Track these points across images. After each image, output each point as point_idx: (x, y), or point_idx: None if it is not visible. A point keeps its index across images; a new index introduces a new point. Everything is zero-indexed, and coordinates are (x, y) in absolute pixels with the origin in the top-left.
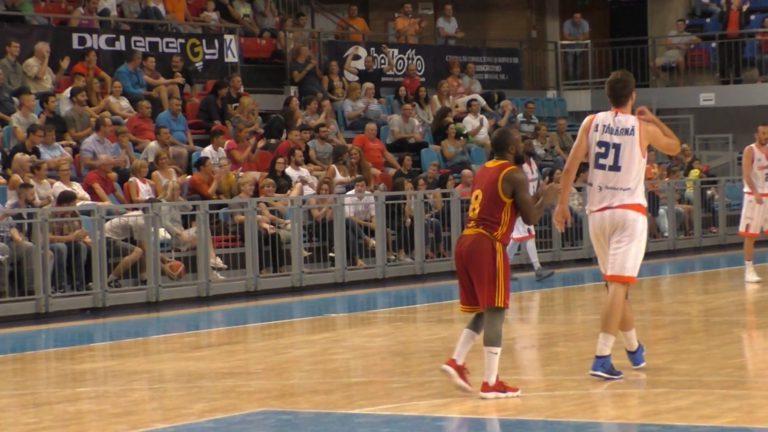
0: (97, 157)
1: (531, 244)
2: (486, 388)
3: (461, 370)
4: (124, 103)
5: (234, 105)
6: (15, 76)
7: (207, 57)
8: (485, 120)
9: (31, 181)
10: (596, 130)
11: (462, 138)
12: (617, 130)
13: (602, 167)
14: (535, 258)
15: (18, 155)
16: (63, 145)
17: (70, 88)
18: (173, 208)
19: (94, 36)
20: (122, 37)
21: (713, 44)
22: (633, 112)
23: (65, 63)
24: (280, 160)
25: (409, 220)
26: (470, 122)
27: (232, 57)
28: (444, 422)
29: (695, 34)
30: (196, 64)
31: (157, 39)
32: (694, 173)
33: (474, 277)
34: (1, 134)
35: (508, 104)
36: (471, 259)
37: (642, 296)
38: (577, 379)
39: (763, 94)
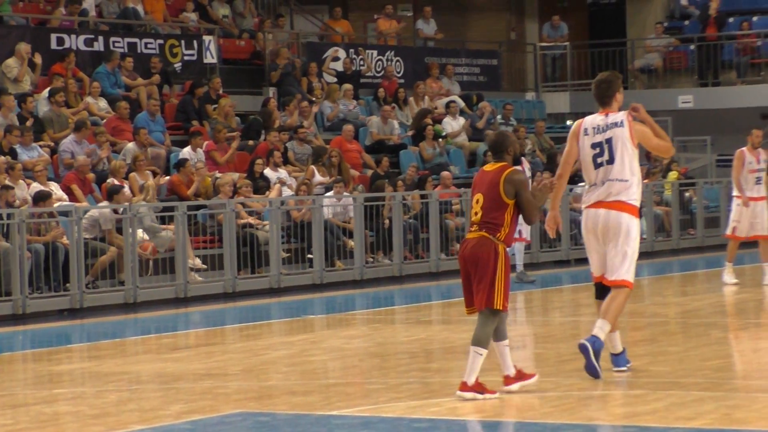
0: (75, 158)
1: (520, 246)
2: (464, 387)
3: (520, 375)
4: (103, 103)
5: (213, 106)
6: None
7: (186, 58)
8: (463, 121)
9: (7, 182)
10: (586, 134)
11: (440, 140)
12: (607, 127)
13: (600, 165)
14: (520, 261)
15: None
16: (41, 146)
17: (48, 89)
18: (151, 210)
19: (73, 36)
20: (101, 38)
21: (692, 47)
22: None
23: (38, 58)
24: (259, 161)
25: (387, 221)
26: (449, 124)
27: (210, 58)
28: (423, 424)
29: (674, 37)
30: (175, 65)
31: (136, 40)
32: (673, 175)
33: (475, 279)
34: None
35: (487, 106)
36: (474, 262)
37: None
38: (555, 381)
39: (741, 97)
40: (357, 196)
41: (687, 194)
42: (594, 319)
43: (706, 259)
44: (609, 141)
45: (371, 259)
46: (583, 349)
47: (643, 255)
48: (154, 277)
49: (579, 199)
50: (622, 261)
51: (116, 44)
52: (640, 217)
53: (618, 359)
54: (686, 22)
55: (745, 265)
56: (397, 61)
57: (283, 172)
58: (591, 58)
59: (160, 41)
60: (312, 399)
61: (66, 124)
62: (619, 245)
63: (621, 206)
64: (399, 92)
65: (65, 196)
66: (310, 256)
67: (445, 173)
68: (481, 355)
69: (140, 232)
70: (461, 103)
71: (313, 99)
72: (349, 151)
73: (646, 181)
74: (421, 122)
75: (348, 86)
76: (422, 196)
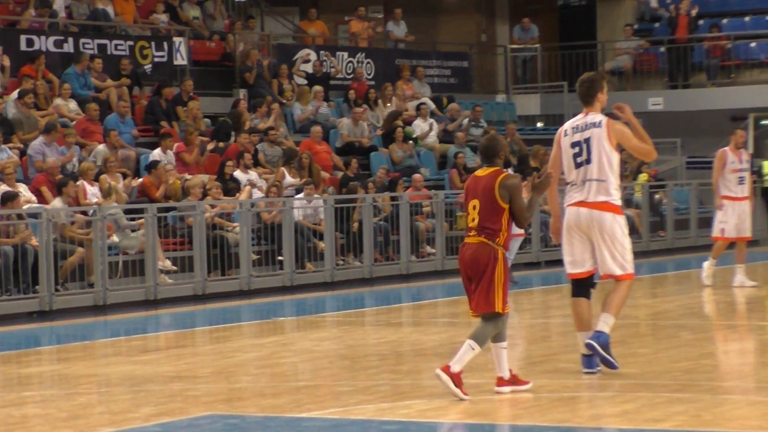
0: (45, 160)
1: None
2: (446, 370)
3: (514, 380)
4: (73, 105)
5: (185, 108)
6: None
7: (156, 59)
8: (434, 124)
9: None
10: (566, 135)
11: (410, 142)
12: (586, 126)
13: (580, 165)
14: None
15: None
16: (10, 148)
17: (17, 91)
18: (120, 211)
19: (42, 38)
20: (71, 39)
21: (662, 49)
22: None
23: (6, 60)
24: (229, 163)
25: (356, 224)
26: (419, 126)
27: (181, 59)
28: (392, 426)
29: (644, 39)
30: (145, 67)
31: (106, 41)
32: (643, 177)
33: (473, 284)
34: None
35: (455, 107)
36: (474, 266)
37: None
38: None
39: (711, 99)
40: (327, 198)
41: (657, 196)
42: (565, 320)
43: (676, 261)
44: (587, 141)
45: (341, 261)
46: (590, 348)
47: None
48: (123, 279)
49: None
50: (618, 256)
51: (86, 46)
52: (623, 213)
53: (589, 361)
54: (656, 25)
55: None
56: (368, 63)
57: (253, 174)
58: (561, 60)
59: (130, 43)
60: (282, 401)
61: (35, 125)
62: (608, 244)
63: (603, 206)
64: (370, 93)
65: (34, 198)
66: (280, 258)
67: (416, 176)
68: (473, 349)
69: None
70: (432, 105)
71: (284, 101)
72: (319, 152)
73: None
74: (391, 124)
75: (318, 88)
76: (393, 198)
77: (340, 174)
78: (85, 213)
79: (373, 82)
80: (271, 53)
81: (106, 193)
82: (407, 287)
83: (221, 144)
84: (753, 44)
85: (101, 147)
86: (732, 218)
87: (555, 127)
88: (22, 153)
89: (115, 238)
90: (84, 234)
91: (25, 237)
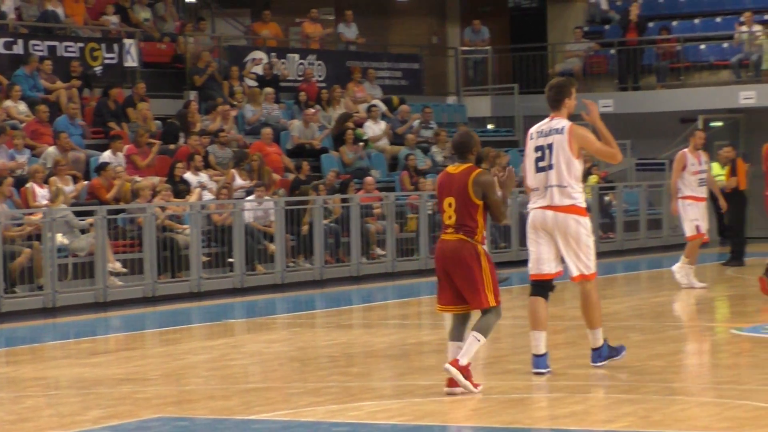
0: None
1: None
2: (455, 364)
3: (467, 373)
4: (22, 107)
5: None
6: None
7: (106, 61)
8: (384, 125)
9: None
10: (531, 139)
11: (361, 143)
12: (549, 132)
13: (542, 170)
14: None
15: None
16: None
17: None
18: (70, 213)
19: None
20: (20, 41)
21: (612, 51)
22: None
23: None
24: (179, 165)
25: (306, 227)
26: (370, 128)
27: (131, 61)
28: (343, 428)
29: (594, 41)
30: (96, 69)
31: (56, 43)
32: (593, 179)
33: (459, 282)
34: None
35: (406, 109)
36: (456, 265)
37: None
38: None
39: (661, 101)
40: (278, 200)
41: (607, 198)
42: (514, 321)
43: (626, 262)
44: (550, 146)
45: (292, 263)
46: (600, 367)
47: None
48: (73, 281)
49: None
50: (584, 257)
51: (36, 47)
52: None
53: (539, 361)
54: (607, 27)
55: (663, 269)
56: (319, 64)
57: (203, 176)
58: (512, 62)
59: (81, 44)
60: (231, 403)
61: None
62: (574, 247)
63: (568, 209)
64: (322, 94)
65: None
66: (230, 260)
67: (368, 179)
68: (479, 341)
69: (59, 236)
70: (383, 107)
71: (235, 102)
72: (270, 154)
73: None
74: (341, 126)
75: (269, 90)
76: (343, 200)
77: (290, 176)
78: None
79: (324, 84)
80: (221, 55)
81: (54, 195)
82: (358, 289)
83: (171, 146)
84: (702, 46)
85: (51, 149)
86: (701, 215)
87: (506, 129)
88: None
89: (64, 240)
90: (19, 233)
91: None
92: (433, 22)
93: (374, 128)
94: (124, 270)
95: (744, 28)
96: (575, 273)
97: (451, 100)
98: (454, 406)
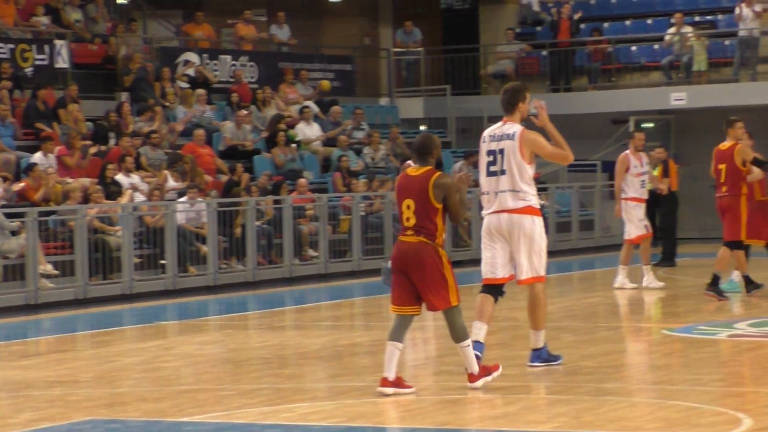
0: None
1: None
2: (473, 378)
3: (398, 383)
4: None
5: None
6: None
7: (37, 62)
8: (317, 127)
9: None
10: (484, 142)
11: (293, 145)
12: (501, 136)
13: (493, 174)
14: None
15: None
16: None
17: None
18: (0, 215)
19: None
20: None
21: (544, 52)
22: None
23: None
24: (111, 166)
25: (238, 229)
26: (302, 129)
27: (62, 63)
28: (275, 430)
29: (526, 43)
30: (26, 70)
31: None
32: None
33: (420, 284)
34: None
35: (338, 110)
36: (417, 266)
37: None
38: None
39: (593, 103)
40: (210, 202)
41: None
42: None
43: (558, 263)
44: (502, 151)
45: (224, 265)
46: (536, 367)
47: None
48: (3, 283)
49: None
50: (535, 259)
51: None
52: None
53: (475, 345)
54: (538, 28)
55: (595, 270)
56: (252, 66)
57: (135, 178)
58: (445, 63)
59: (11, 46)
60: (164, 405)
61: None
62: (528, 247)
63: (523, 210)
64: (258, 93)
65: None
66: (163, 261)
67: (301, 181)
68: (468, 346)
69: None
70: (315, 109)
71: (167, 104)
72: (202, 156)
73: None
74: (273, 127)
75: (201, 91)
76: (276, 202)
77: (222, 178)
78: None
79: (257, 86)
80: (153, 56)
81: None
82: (290, 290)
83: (102, 147)
84: (634, 48)
85: None
86: (643, 216)
87: (438, 130)
88: None
89: None
90: None
91: None
92: (366, 23)
93: (306, 130)
94: (56, 272)
95: (675, 30)
96: (526, 276)
97: (384, 101)
98: (386, 408)
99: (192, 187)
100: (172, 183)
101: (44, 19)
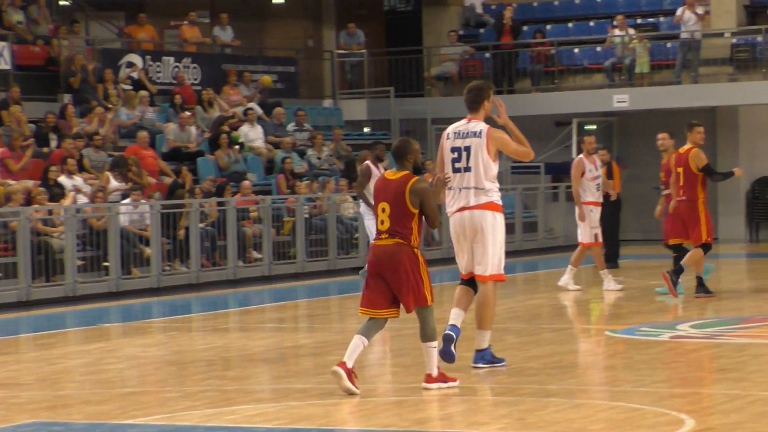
0: None
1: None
2: (430, 379)
3: (350, 374)
4: None
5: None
6: None
7: None
8: (260, 129)
9: None
10: (448, 138)
11: (237, 147)
12: (467, 134)
13: (458, 170)
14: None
15: None
16: None
17: None
18: None
19: None
20: None
21: (487, 54)
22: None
23: None
24: (53, 168)
25: (182, 231)
26: (246, 131)
27: (4, 64)
28: None
29: (469, 45)
30: None
31: None
32: None
33: (395, 285)
34: None
35: (281, 112)
36: (393, 269)
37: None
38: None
39: (536, 105)
40: (154, 204)
41: None
42: (393, 324)
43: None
44: (467, 149)
45: (168, 267)
46: (479, 368)
47: (439, 261)
48: None
49: None
50: (490, 256)
51: None
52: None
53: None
54: (481, 31)
55: (539, 271)
56: (195, 67)
57: (78, 179)
58: (388, 65)
59: None
60: (107, 408)
61: None
62: (490, 243)
63: (485, 206)
64: (203, 94)
65: None
66: (106, 263)
67: (245, 183)
68: (434, 347)
69: None
70: (259, 110)
71: (110, 106)
72: (146, 157)
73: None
74: (217, 129)
75: (144, 93)
76: (219, 204)
77: (166, 180)
78: None
79: (200, 87)
80: (96, 58)
81: None
82: (234, 292)
83: (45, 149)
84: (576, 50)
85: None
86: (587, 223)
87: (382, 132)
88: None
89: None
90: None
91: None
92: (309, 25)
93: (250, 131)
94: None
95: (617, 32)
96: (488, 272)
97: (328, 103)
98: (331, 410)
99: (135, 189)
100: (114, 185)
101: None
